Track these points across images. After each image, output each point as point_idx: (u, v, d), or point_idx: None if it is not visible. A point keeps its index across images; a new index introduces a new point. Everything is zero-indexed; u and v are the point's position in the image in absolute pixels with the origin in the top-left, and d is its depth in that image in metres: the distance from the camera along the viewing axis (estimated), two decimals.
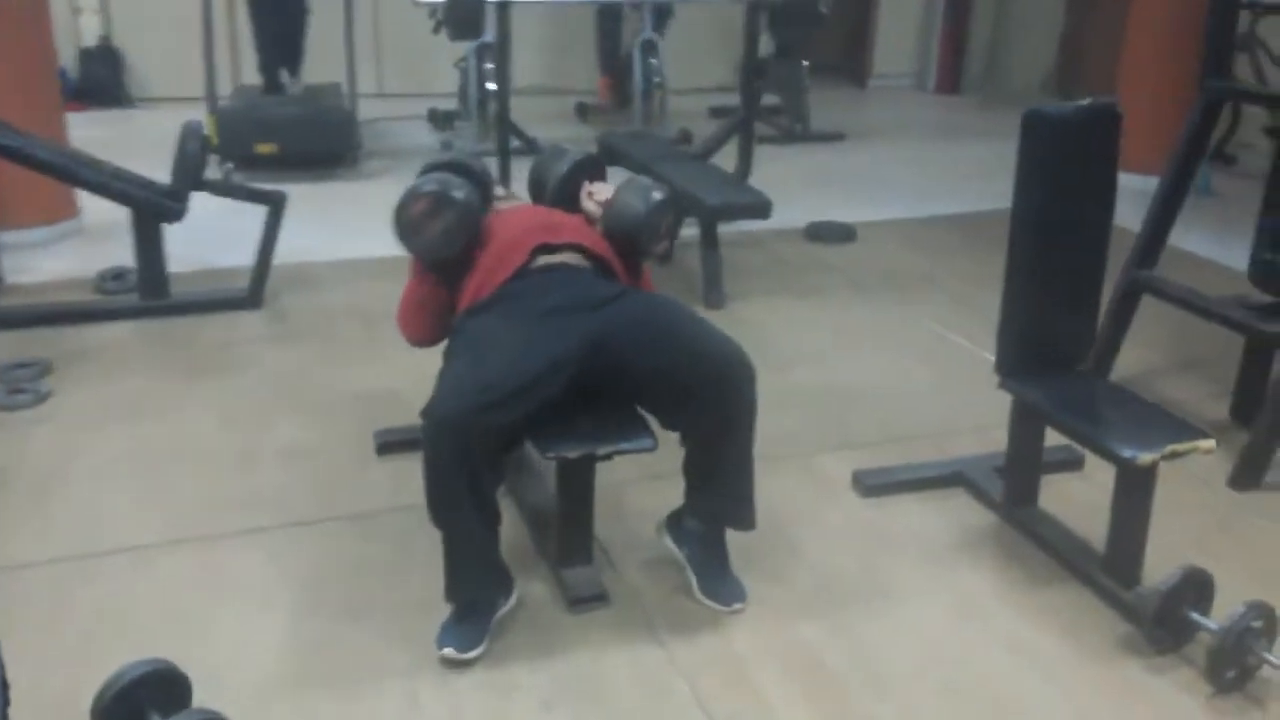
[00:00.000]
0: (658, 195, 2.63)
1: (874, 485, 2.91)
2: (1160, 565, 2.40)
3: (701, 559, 2.49)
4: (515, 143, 5.44)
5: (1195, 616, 2.28)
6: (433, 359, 2.76)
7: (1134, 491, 2.41)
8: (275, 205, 4.15)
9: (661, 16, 7.29)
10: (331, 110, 6.19)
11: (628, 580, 2.54)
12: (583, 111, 7.86)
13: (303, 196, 4.27)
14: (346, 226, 4.97)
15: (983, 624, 2.43)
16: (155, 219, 3.98)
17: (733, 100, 7.72)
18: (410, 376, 3.38)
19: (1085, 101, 2.68)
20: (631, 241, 2.65)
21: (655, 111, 7.05)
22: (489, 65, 6.54)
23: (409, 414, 3.11)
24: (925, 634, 2.40)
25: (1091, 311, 2.76)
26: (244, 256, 4.21)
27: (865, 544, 2.72)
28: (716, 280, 4.28)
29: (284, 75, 6.46)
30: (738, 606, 2.44)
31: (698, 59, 8.28)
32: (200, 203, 4.05)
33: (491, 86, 6.47)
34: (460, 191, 2.52)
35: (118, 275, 4.28)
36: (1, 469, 2.95)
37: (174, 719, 1.82)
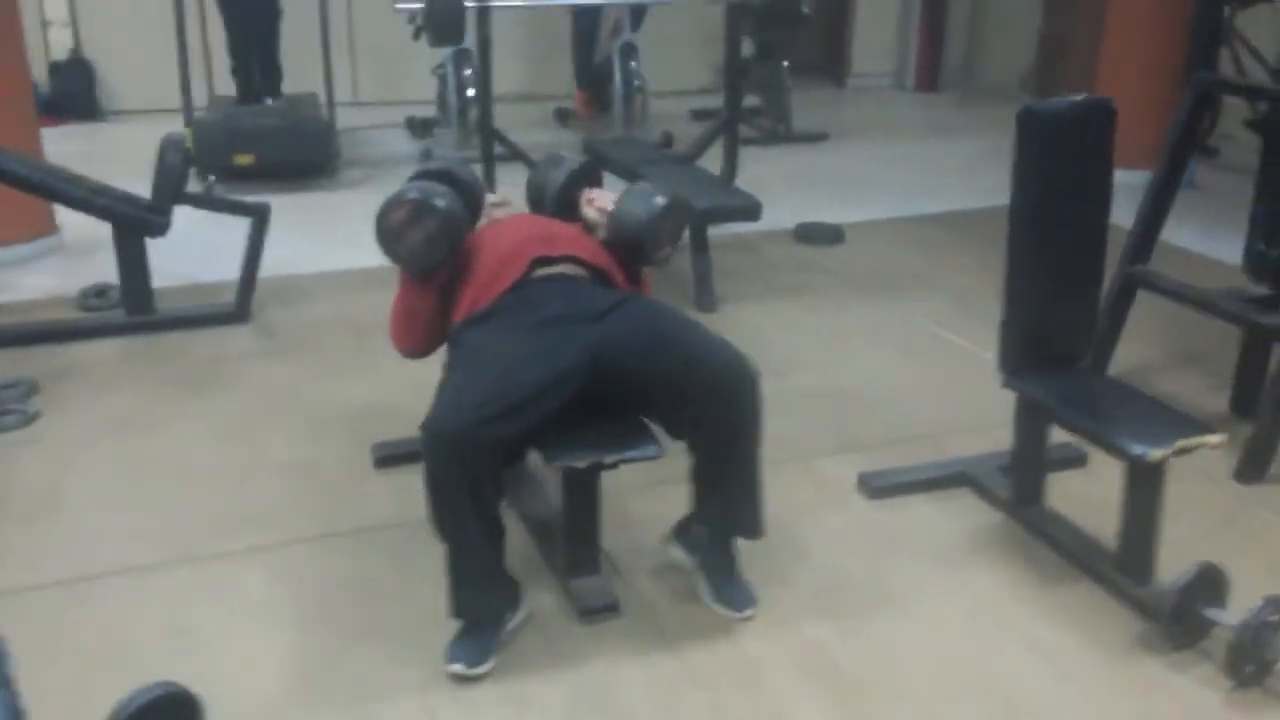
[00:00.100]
0: (661, 201, 2.60)
1: (880, 487, 2.89)
2: (1171, 561, 2.40)
3: (711, 565, 2.46)
4: (499, 149, 5.39)
5: (1212, 612, 2.27)
6: (427, 370, 2.73)
7: (1144, 488, 2.40)
8: (259, 217, 4.10)
9: (637, 17, 7.26)
10: (310, 120, 6.13)
11: (636, 589, 2.51)
12: (563, 117, 7.83)
13: (282, 207, 4.21)
14: (329, 237, 4.92)
15: (997, 624, 2.42)
16: (138, 234, 3.91)
17: (714, 102, 7.71)
18: (404, 388, 3.34)
19: (1079, 96, 2.68)
20: (637, 248, 2.62)
21: (636, 115, 7.02)
22: (467, 71, 6.50)
23: (405, 426, 3.07)
24: (940, 634, 2.38)
25: (1092, 307, 2.76)
26: (226, 270, 4.15)
27: (874, 545, 2.70)
28: (708, 284, 4.26)
29: (267, 101, 6.39)
30: (749, 612, 2.41)
31: (677, 62, 8.26)
32: (180, 216, 3.99)
33: (471, 93, 6.44)
34: (443, 200, 2.47)
35: (100, 292, 4.21)
36: None
37: None
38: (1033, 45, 8.75)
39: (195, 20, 5.99)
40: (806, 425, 3.27)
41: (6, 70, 4.59)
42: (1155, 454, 2.31)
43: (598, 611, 2.40)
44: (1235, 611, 2.23)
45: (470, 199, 2.67)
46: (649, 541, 2.62)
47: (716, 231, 4.47)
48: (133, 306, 3.96)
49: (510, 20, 7.35)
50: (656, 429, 2.39)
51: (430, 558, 2.31)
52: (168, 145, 3.98)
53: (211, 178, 5.41)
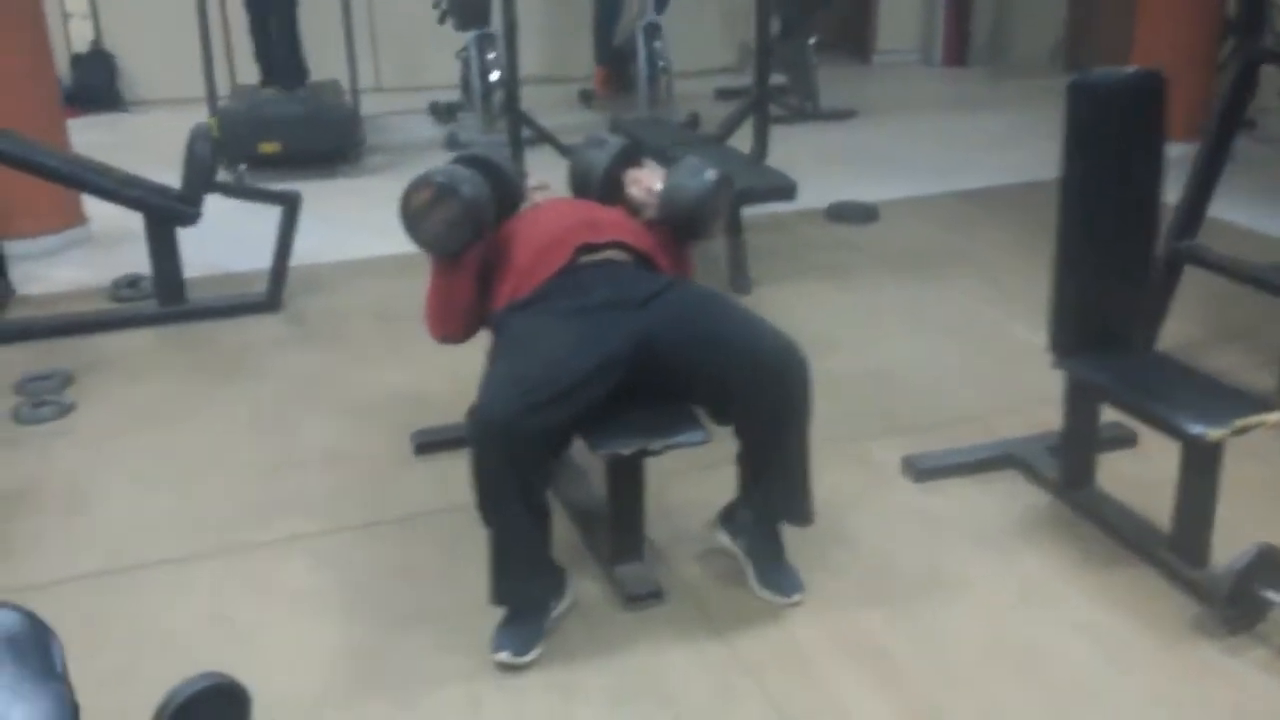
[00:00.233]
0: (712, 175, 2.55)
1: (926, 470, 2.84)
2: (1226, 543, 2.34)
3: (758, 551, 2.43)
4: (526, 132, 5.35)
5: (1271, 595, 2.22)
6: (461, 357, 2.70)
7: (1201, 468, 2.34)
8: (290, 206, 4.08)
9: None
10: (334, 107, 6.10)
11: (681, 575, 2.48)
12: (587, 98, 7.78)
13: (308, 195, 4.19)
14: (355, 224, 4.89)
15: (1049, 607, 2.37)
16: (170, 224, 3.90)
17: (737, 82, 7.65)
18: (439, 375, 3.33)
19: (1130, 70, 2.62)
20: (689, 223, 2.58)
21: (661, 95, 6.96)
22: (491, 55, 6.46)
23: (442, 413, 3.06)
24: (991, 619, 2.34)
25: (1142, 285, 2.70)
26: (255, 259, 4.14)
27: (922, 529, 2.66)
28: (742, 265, 4.21)
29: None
30: (797, 598, 2.38)
31: (699, 41, 8.20)
32: (208, 206, 3.98)
33: (495, 76, 6.39)
34: (468, 186, 2.42)
35: (132, 282, 4.21)
36: (30, 483, 2.89)
37: None
38: (1062, 18, 8.63)
39: (216, 9, 5.97)
40: (848, 408, 3.22)
41: (32, 63, 4.59)
42: (1214, 433, 2.26)
43: (642, 599, 2.37)
44: None
45: (507, 187, 2.62)
46: (692, 527, 2.59)
47: (748, 211, 4.41)
48: (165, 297, 3.96)
49: (533, 1, 7.32)
50: (700, 414, 2.35)
51: (475, 543, 2.28)
52: (196, 135, 3.97)
53: (242, 166, 5.39)
